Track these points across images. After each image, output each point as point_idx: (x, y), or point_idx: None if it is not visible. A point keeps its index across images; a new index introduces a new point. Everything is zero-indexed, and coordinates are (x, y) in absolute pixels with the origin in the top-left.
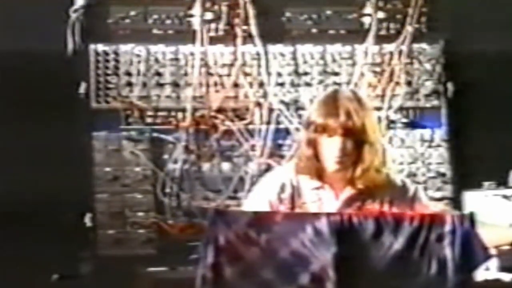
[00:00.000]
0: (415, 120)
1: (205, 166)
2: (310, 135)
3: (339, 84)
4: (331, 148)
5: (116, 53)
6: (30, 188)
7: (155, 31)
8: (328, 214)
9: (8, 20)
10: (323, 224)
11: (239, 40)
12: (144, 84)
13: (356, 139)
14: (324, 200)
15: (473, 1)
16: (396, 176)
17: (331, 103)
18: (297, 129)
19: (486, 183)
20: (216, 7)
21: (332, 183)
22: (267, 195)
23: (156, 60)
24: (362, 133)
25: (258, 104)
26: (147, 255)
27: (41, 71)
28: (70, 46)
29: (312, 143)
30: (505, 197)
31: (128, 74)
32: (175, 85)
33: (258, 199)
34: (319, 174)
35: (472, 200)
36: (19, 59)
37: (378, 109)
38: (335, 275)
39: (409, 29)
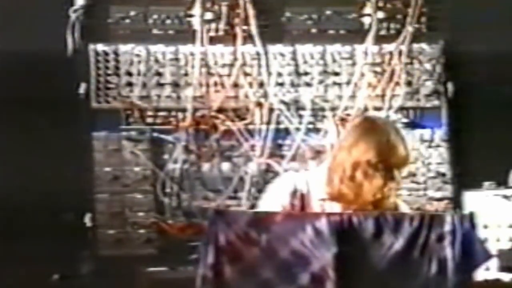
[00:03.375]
0: (415, 120)
1: (205, 166)
2: (356, 173)
3: (339, 84)
4: (375, 183)
5: (116, 53)
6: (30, 187)
7: (155, 31)
8: (328, 214)
9: (8, 20)
10: (323, 224)
11: (239, 40)
12: (144, 84)
13: (399, 171)
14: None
15: (473, 1)
16: (402, 204)
17: (381, 140)
18: (297, 129)
19: (486, 183)
20: (216, 7)
21: (341, 200)
22: (280, 202)
23: (156, 60)
24: (405, 166)
25: (259, 104)
26: (147, 255)
27: (41, 71)
28: (70, 46)
29: (356, 179)
30: (505, 197)
31: (128, 74)
32: (175, 85)
33: (271, 206)
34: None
35: (472, 200)
36: (19, 59)
37: (378, 109)
38: (335, 275)
39: (409, 29)
